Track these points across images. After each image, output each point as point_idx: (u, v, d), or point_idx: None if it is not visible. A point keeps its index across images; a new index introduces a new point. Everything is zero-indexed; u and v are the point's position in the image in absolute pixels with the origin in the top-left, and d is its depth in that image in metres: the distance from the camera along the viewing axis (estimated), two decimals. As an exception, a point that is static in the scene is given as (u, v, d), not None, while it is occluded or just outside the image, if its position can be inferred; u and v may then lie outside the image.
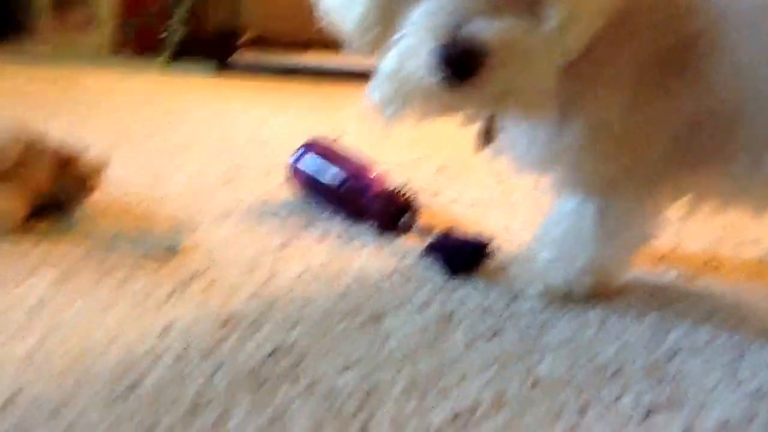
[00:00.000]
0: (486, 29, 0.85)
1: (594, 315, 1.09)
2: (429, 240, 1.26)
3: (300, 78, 3.98)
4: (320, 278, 1.15)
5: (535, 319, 1.08)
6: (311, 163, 1.52)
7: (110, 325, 0.99)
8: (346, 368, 0.91)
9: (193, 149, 2.03)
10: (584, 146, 1.02)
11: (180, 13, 4.79)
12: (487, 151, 1.15)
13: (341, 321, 1.03)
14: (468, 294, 1.13)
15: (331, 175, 1.48)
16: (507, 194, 1.66)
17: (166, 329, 0.98)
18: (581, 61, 0.99)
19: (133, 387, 0.85)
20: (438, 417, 0.82)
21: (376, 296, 1.10)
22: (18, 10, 4.75)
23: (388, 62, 0.92)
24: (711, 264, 1.33)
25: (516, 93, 0.92)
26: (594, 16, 0.92)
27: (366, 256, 1.26)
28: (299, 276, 1.15)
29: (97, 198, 1.43)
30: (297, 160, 1.55)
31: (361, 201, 1.41)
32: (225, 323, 1.00)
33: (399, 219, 1.35)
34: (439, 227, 1.41)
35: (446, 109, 0.98)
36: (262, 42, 4.50)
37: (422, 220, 1.44)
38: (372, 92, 0.96)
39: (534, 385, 0.91)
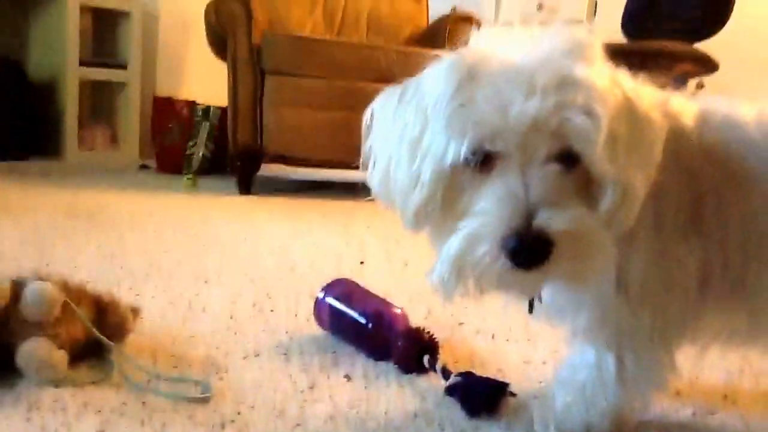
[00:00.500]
0: (554, 220, 0.91)
1: (611, 458, 1.13)
2: (450, 380, 1.30)
3: (320, 193, 4.06)
4: (348, 422, 1.19)
5: (555, 462, 1.12)
6: (336, 302, 1.58)
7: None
8: None
9: (222, 277, 2.09)
10: (607, 301, 1.08)
11: (204, 132, 4.90)
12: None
13: (368, 468, 1.08)
14: (489, 436, 1.17)
15: (355, 313, 1.53)
16: (528, 323, 1.70)
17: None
18: None
19: None
20: None
21: (401, 441, 1.14)
22: (46, 129, 4.86)
23: (453, 246, 0.96)
24: (729, 398, 1.36)
25: (579, 276, 0.97)
26: (643, 189, 0.98)
27: (390, 397, 1.29)
28: (327, 421, 1.19)
29: (132, 339, 1.49)
30: (323, 298, 1.61)
31: (385, 339, 1.46)
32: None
33: (422, 358, 1.40)
34: (461, 363, 1.46)
35: (517, 291, 1.05)
36: (282, 160, 4.59)
37: (444, 353, 1.49)
38: (432, 273, 1.02)
39: None
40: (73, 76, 4.85)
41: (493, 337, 1.65)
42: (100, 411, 1.17)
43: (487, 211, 0.94)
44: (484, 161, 0.97)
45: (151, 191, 3.94)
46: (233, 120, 4.03)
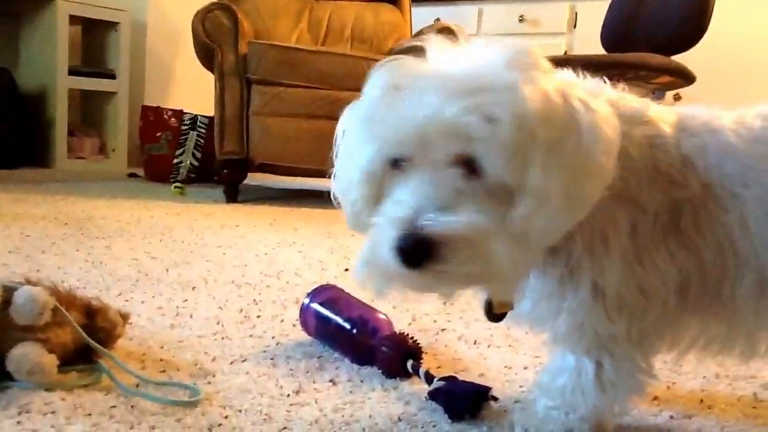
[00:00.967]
0: (437, 222, 0.93)
1: (591, 461, 1.14)
2: (433, 385, 1.31)
3: (306, 202, 4.07)
4: (333, 426, 1.19)
5: (536, 465, 1.13)
6: (321, 308, 1.59)
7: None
8: None
9: (209, 283, 2.09)
10: (585, 308, 1.09)
11: (191, 141, 4.90)
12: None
13: (353, 470, 1.08)
14: (472, 439, 1.18)
15: (340, 319, 1.54)
16: (509, 329, 1.71)
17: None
18: (583, 228, 1.07)
19: None
20: None
21: (385, 444, 1.15)
22: (36, 138, 4.85)
23: (363, 248, 1.00)
24: (706, 403, 1.37)
25: (475, 278, 0.98)
26: (566, 204, 0.97)
27: (375, 402, 1.30)
28: (312, 424, 1.19)
29: (122, 344, 1.49)
30: (308, 305, 1.61)
31: (370, 345, 1.46)
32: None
33: (406, 363, 1.40)
34: (444, 368, 1.47)
35: (417, 289, 1.04)
36: (268, 169, 4.60)
37: (428, 359, 1.50)
38: (354, 273, 1.04)
39: None
40: (62, 86, 4.84)
41: (475, 342, 1.66)
42: (89, 414, 1.17)
43: (386, 213, 0.98)
44: (397, 166, 1.00)
45: (140, 199, 3.94)
46: (220, 129, 4.03)
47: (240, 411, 1.22)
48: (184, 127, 5.00)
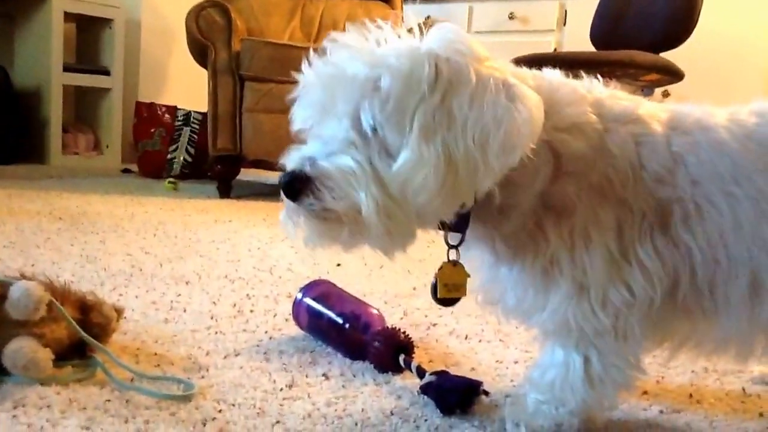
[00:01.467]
0: (317, 163, 1.02)
1: (581, 454, 1.14)
2: (425, 379, 1.30)
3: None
4: (325, 420, 1.19)
5: (527, 458, 1.13)
6: (314, 303, 1.59)
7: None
8: None
9: (203, 278, 2.08)
10: (569, 305, 1.08)
11: (185, 137, 4.89)
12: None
13: (346, 464, 1.08)
14: (463, 433, 1.18)
15: (333, 314, 1.54)
16: (500, 324, 1.71)
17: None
18: (562, 225, 1.07)
19: None
20: None
21: (377, 438, 1.14)
22: (31, 134, 4.84)
23: None
24: (695, 397, 1.37)
25: (344, 220, 1.03)
26: (447, 170, 0.97)
27: (367, 396, 1.29)
28: (305, 418, 1.19)
29: (116, 339, 1.48)
30: (301, 299, 1.61)
31: (362, 339, 1.46)
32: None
33: (397, 358, 1.40)
34: (436, 362, 1.47)
35: (311, 232, 1.09)
36: (260, 165, 4.60)
37: (419, 353, 1.50)
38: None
39: None
40: (57, 82, 4.83)
41: (466, 337, 1.66)
42: (84, 408, 1.17)
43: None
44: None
45: (134, 195, 3.92)
46: (213, 125, 4.02)
47: (233, 405, 1.22)
48: (177, 124, 4.99)
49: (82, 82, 5.06)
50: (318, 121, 1.07)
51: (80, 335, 1.34)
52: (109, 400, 1.21)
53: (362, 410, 1.23)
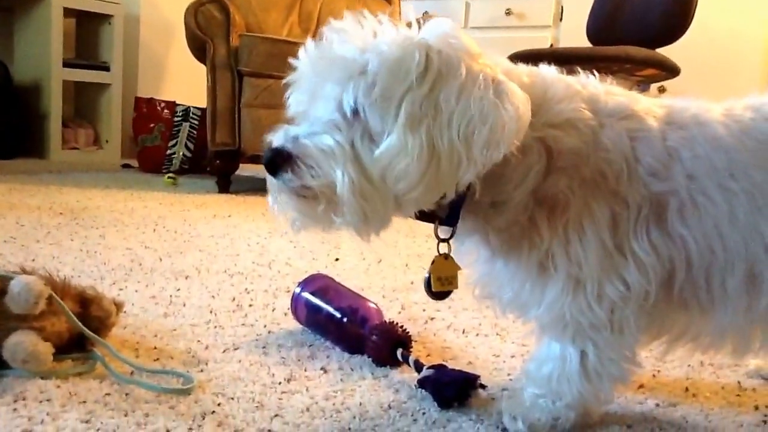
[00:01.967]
0: (298, 140, 1.04)
1: (577, 447, 1.14)
2: (423, 373, 1.30)
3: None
4: (324, 413, 1.19)
5: (523, 452, 1.13)
6: (312, 297, 1.58)
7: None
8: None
9: (202, 273, 2.08)
10: (565, 299, 1.09)
11: (184, 132, 4.88)
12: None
13: (344, 457, 1.08)
14: (460, 427, 1.16)
15: (331, 308, 1.54)
16: (497, 318, 1.71)
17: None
18: (556, 219, 1.07)
19: None
20: None
21: (375, 431, 1.14)
22: (31, 129, 4.83)
23: None
24: (690, 391, 1.37)
25: (321, 198, 1.04)
26: (428, 159, 0.98)
27: (365, 390, 1.29)
28: (304, 412, 1.19)
29: (116, 333, 1.48)
30: (299, 294, 1.61)
31: (360, 333, 1.46)
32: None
33: (395, 352, 1.40)
34: (433, 356, 1.47)
35: (293, 210, 1.11)
36: (259, 160, 4.59)
37: (417, 347, 1.50)
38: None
39: None
40: (57, 78, 4.82)
41: (463, 331, 1.66)
42: (84, 402, 1.17)
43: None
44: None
45: (133, 190, 3.92)
46: (212, 121, 4.02)
47: (232, 398, 1.22)
48: (176, 119, 4.98)
49: (81, 77, 5.05)
50: (309, 104, 1.08)
51: (80, 329, 1.34)
52: (108, 394, 1.21)
53: (360, 404, 1.23)
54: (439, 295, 1.21)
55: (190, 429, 1.10)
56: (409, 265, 2.31)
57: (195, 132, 4.95)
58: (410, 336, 1.45)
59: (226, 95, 4.01)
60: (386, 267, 2.28)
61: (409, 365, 1.37)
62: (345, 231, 1.07)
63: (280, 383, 1.30)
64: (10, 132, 4.72)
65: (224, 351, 1.45)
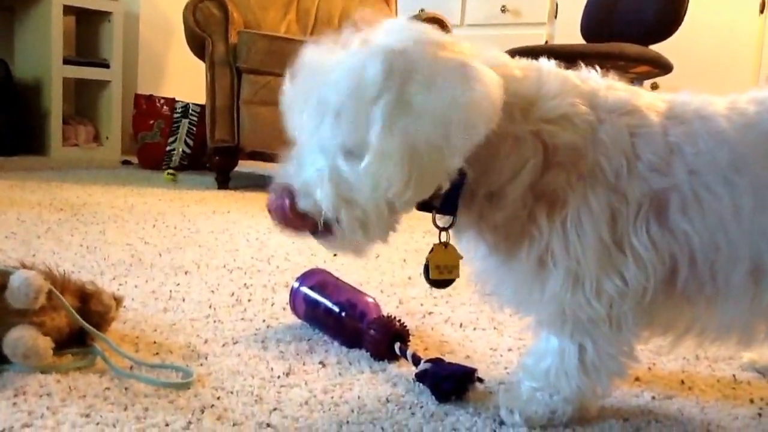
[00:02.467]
0: (288, 174, 1.09)
1: (574, 440, 1.13)
2: (420, 367, 1.30)
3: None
4: (322, 407, 1.18)
5: (521, 445, 1.12)
6: (311, 292, 1.58)
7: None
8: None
9: (201, 268, 2.07)
10: (564, 295, 1.08)
11: (183, 129, 4.87)
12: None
13: (342, 451, 1.08)
14: (458, 420, 1.16)
15: (329, 303, 1.53)
16: (494, 313, 1.71)
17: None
18: (555, 215, 1.06)
19: None
20: None
21: (373, 425, 1.13)
22: (31, 126, 4.82)
23: None
24: (686, 384, 1.37)
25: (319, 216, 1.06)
26: (408, 161, 0.98)
27: (363, 383, 1.29)
28: (302, 405, 1.18)
29: (115, 327, 1.48)
30: (298, 288, 1.60)
31: (358, 327, 1.46)
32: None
33: (393, 346, 1.39)
34: (431, 350, 1.46)
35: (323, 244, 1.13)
36: (258, 157, 4.59)
37: (415, 341, 1.49)
38: None
39: None
40: (57, 75, 4.80)
41: (461, 325, 1.65)
42: (84, 396, 1.16)
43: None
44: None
45: (133, 186, 3.91)
46: (211, 118, 4.01)
47: (231, 392, 1.21)
48: (176, 116, 4.97)
49: (81, 74, 5.03)
50: (297, 133, 1.10)
51: (80, 324, 1.33)
52: (108, 388, 1.20)
53: (358, 397, 1.23)
54: (438, 284, 1.19)
55: (190, 423, 1.10)
56: (407, 260, 2.30)
57: (194, 129, 4.94)
58: (408, 330, 1.44)
59: (225, 92, 4.00)
60: (384, 262, 2.27)
61: (406, 359, 1.36)
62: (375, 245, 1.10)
63: (278, 377, 1.30)
64: (11, 129, 4.71)
65: (223, 345, 1.44)
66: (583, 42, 4.41)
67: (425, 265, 1.18)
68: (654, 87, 4.81)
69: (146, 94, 5.13)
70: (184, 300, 1.74)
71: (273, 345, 1.46)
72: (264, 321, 1.61)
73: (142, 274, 1.98)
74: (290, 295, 1.62)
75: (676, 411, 1.24)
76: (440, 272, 1.18)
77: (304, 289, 1.59)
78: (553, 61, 1.15)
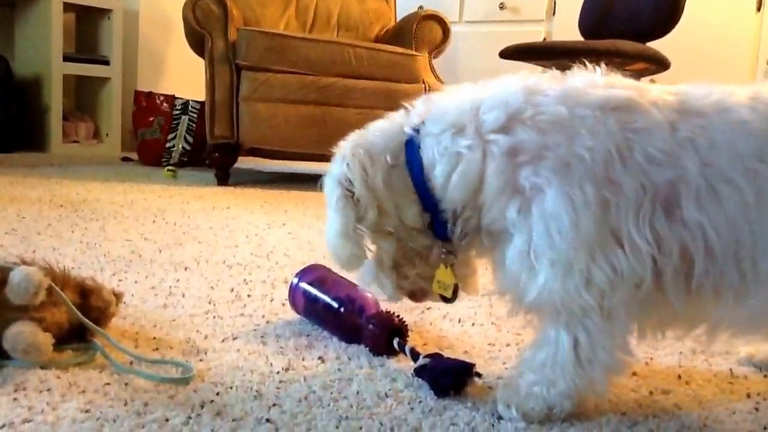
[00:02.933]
0: None
1: (572, 435, 1.13)
2: (419, 362, 1.30)
3: (294, 185, 4.05)
4: (321, 402, 1.18)
5: (519, 440, 1.12)
6: (310, 288, 1.57)
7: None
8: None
9: (201, 264, 2.07)
10: (553, 285, 1.08)
11: (183, 125, 4.87)
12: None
13: (342, 446, 1.08)
14: (456, 414, 1.16)
15: (328, 298, 1.53)
16: (493, 308, 1.71)
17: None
18: (534, 209, 1.07)
19: None
20: None
21: (372, 420, 1.13)
22: (31, 123, 4.82)
23: None
24: (683, 378, 1.37)
25: None
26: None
27: (362, 378, 1.29)
28: (301, 401, 1.18)
29: (115, 323, 1.47)
30: (297, 284, 1.60)
31: (357, 323, 1.45)
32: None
33: (392, 341, 1.39)
34: (430, 345, 1.46)
35: None
36: (257, 153, 4.58)
37: (413, 336, 1.49)
38: None
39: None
40: (57, 72, 4.81)
41: (459, 321, 1.65)
42: (84, 392, 1.16)
43: None
44: None
45: (133, 182, 3.91)
46: (210, 114, 4.00)
47: (231, 388, 1.21)
48: (175, 112, 4.97)
49: (81, 71, 5.04)
50: None
51: (80, 319, 1.33)
52: (108, 384, 1.20)
53: (357, 393, 1.22)
54: (441, 297, 1.29)
55: (189, 418, 1.09)
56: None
57: (194, 125, 4.94)
58: (407, 325, 1.44)
59: (225, 89, 4.00)
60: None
61: (405, 354, 1.36)
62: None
63: (278, 372, 1.29)
64: (11, 126, 4.71)
65: (223, 341, 1.44)
66: (580, 39, 4.41)
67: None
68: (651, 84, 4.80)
69: (146, 90, 5.13)
70: (183, 296, 1.73)
71: (272, 340, 1.46)
72: (263, 317, 1.61)
73: (142, 270, 1.97)
74: (289, 291, 1.62)
75: (673, 405, 1.24)
76: (439, 287, 1.27)
77: (303, 285, 1.58)
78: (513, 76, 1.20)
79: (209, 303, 1.69)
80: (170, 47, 5.73)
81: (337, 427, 1.10)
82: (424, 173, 1.20)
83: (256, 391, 1.21)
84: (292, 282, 1.61)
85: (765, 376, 1.41)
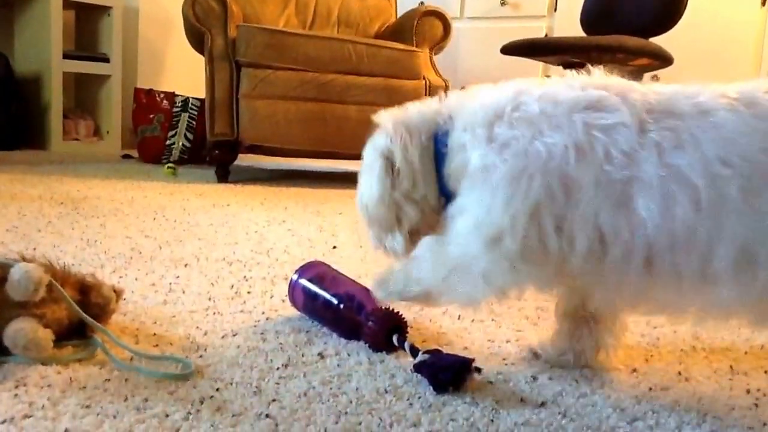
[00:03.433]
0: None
1: (570, 430, 1.14)
2: (418, 358, 1.31)
3: (294, 182, 4.06)
4: (321, 398, 1.19)
5: (518, 435, 1.13)
6: (309, 284, 1.58)
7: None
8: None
9: (201, 260, 2.08)
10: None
11: (183, 123, 4.88)
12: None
13: (341, 441, 1.09)
14: (455, 410, 1.17)
15: (328, 295, 1.53)
16: (492, 304, 1.71)
17: (181, 453, 1.04)
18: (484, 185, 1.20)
19: None
20: None
21: (371, 415, 1.13)
22: (32, 120, 4.82)
23: None
24: (683, 375, 1.37)
25: None
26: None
27: (361, 375, 1.29)
28: (301, 397, 1.19)
29: (116, 320, 1.48)
30: (296, 281, 1.61)
31: (356, 319, 1.46)
32: (235, 446, 1.06)
33: (391, 337, 1.40)
34: (429, 341, 1.47)
35: None
36: (257, 150, 4.59)
37: (413, 332, 1.49)
38: None
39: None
40: (57, 70, 4.82)
41: (459, 317, 1.66)
42: (84, 388, 1.17)
43: None
44: None
45: (133, 180, 3.92)
46: (210, 111, 4.01)
47: (231, 384, 1.22)
48: (176, 110, 4.98)
49: (81, 69, 5.05)
50: None
51: (80, 316, 1.34)
52: (108, 380, 1.21)
53: (357, 389, 1.23)
54: None
55: (189, 413, 1.10)
56: (406, 253, 2.31)
57: (194, 122, 4.95)
58: (406, 322, 1.45)
59: (225, 86, 4.00)
60: (382, 255, 2.27)
61: (405, 350, 1.37)
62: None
63: (277, 369, 1.30)
64: (12, 123, 4.72)
65: (223, 337, 1.45)
66: (583, 35, 4.41)
67: None
68: (654, 79, 4.81)
69: (146, 88, 5.14)
70: (183, 292, 1.74)
71: (272, 337, 1.46)
72: (263, 313, 1.62)
73: (142, 266, 1.98)
74: (289, 288, 1.62)
75: (673, 402, 1.25)
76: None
77: (303, 282, 1.59)
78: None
79: (209, 299, 1.69)
80: (170, 44, 5.73)
81: (336, 423, 1.10)
82: (445, 162, 1.31)
83: (256, 387, 1.21)
84: (291, 279, 1.62)
85: (765, 372, 1.41)
